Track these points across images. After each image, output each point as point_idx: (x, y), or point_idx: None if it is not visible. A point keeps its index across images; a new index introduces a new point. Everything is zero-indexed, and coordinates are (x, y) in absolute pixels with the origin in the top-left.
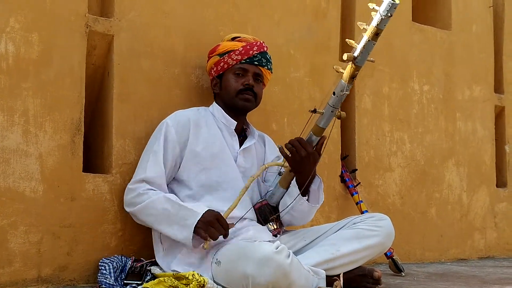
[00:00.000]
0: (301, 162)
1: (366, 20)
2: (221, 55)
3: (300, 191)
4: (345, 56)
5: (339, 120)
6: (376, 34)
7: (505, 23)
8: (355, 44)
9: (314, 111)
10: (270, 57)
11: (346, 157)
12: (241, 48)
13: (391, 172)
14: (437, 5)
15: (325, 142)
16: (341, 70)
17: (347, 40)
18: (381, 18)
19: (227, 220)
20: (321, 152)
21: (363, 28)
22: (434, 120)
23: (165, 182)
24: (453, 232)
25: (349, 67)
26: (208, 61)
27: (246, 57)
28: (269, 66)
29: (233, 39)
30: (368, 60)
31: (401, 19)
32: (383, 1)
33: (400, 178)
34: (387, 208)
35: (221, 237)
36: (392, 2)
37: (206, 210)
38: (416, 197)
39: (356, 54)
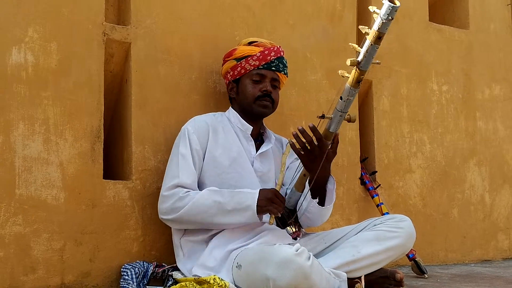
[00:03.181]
0: (313, 161)
1: None
2: (238, 59)
3: (309, 189)
4: (348, 62)
5: (358, 123)
6: (379, 38)
7: None
8: (359, 48)
9: (323, 116)
10: (286, 62)
11: (366, 159)
12: (259, 54)
13: (412, 174)
14: (454, 5)
15: (338, 140)
16: (347, 75)
17: (350, 44)
18: (382, 22)
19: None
20: (336, 150)
21: (365, 32)
22: (454, 120)
23: (197, 187)
24: (476, 233)
25: (353, 72)
26: (223, 64)
27: (263, 62)
28: (285, 71)
29: (250, 43)
30: (374, 62)
31: (418, 19)
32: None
33: (421, 179)
34: (409, 209)
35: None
36: (393, 5)
37: (259, 189)
38: (437, 198)
39: (359, 58)
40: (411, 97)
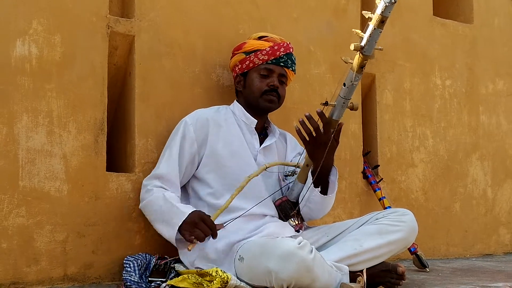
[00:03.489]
0: (318, 148)
1: None
2: (247, 53)
3: (312, 180)
4: (352, 46)
5: (361, 117)
6: (382, 22)
7: None
8: (362, 33)
9: (326, 103)
10: (295, 59)
11: (368, 153)
12: (268, 49)
13: (414, 168)
14: None
15: (341, 128)
16: (350, 61)
17: (353, 30)
18: (385, 5)
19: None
20: (338, 139)
21: (368, 17)
22: (457, 115)
23: (177, 178)
24: (478, 227)
25: (357, 57)
26: (232, 57)
27: (272, 57)
28: (293, 67)
29: (260, 38)
30: (376, 48)
31: (422, 13)
32: None
33: (423, 173)
34: (411, 204)
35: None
36: None
37: (192, 211)
38: (440, 193)
39: (363, 43)
40: (414, 91)
